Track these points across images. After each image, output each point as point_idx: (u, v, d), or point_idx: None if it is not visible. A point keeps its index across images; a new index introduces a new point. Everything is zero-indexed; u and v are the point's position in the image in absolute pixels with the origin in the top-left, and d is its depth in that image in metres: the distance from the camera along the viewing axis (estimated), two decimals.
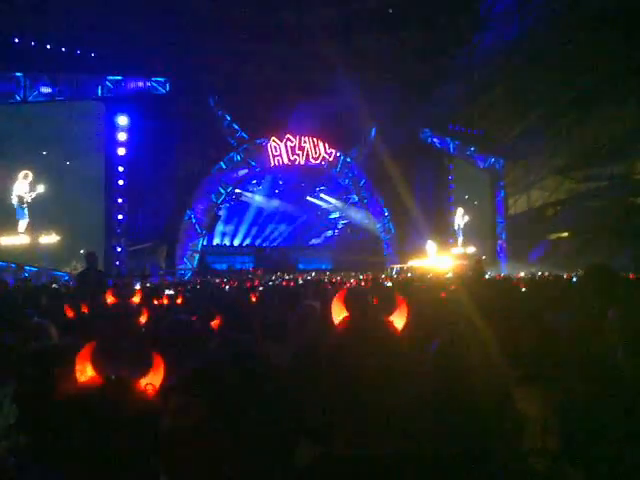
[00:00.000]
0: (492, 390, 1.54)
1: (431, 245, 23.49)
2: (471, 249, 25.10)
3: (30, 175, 16.87)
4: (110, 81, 18.32)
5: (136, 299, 4.77)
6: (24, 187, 16.88)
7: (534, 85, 20.29)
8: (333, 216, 27.53)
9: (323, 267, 26.84)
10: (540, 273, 16.15)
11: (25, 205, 16.83)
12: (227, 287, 10.98)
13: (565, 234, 25.35)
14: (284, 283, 10.03)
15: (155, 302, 5.75)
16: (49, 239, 17.05)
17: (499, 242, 26.25)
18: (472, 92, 21.21)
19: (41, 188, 16.88)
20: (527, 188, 27.21)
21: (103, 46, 16.88)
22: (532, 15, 18.04)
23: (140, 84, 18.97)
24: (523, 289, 6.57)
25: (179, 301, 5.88)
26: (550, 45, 18.26)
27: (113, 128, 18.20)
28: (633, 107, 20.33)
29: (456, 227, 25.82)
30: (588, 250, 19.35)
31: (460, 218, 25.86)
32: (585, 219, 22.49)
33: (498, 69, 19.68)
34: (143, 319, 3.78)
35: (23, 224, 16.80)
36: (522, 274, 17.36)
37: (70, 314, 4.01)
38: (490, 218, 26.55)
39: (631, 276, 9.26)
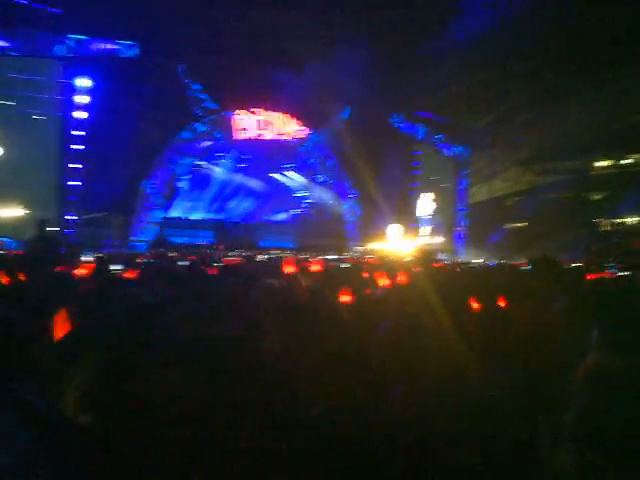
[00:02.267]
0: (445, 370, 1.59)
1: (395, 229, 23.70)
2: (438, 239, 25.48)
3: None
4: (72, 40, 17.33)
5: (82, 270, 4.55)
6: None
7: (502, 78, 20.53)
8: (298, 195, 27.33)
9: (286, 245, 26.69)
10: (487, 261, 16.51)
11: None
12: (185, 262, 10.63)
13: (522, 224, 26.12)
14: (230, 261, 9.70)
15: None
16: (11, 212, 15.63)
17: (459, 229, 26.75)
18: (443, 80, 21.28)
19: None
20: (489, 178, 27.76)
21: (66, 2, 15.88)
22: (504, 8, 18.13)
23: (105, 46, 18.06)
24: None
25: (131, 275, 5.60)
26: (518, 39, 18.47)
27: (72, 90, 17.32)
28: (592, 106, 20.94)
29: (422, 213, 26.05)
30: (543, 240, 19.98)
31: (428, 203, 26.06)
32: (541, 210, 23.22)
33: (469, 59, 19.78)
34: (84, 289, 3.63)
35: None
36: (473, 261, 17.75)
37: (4, 281, 3.81)
38: (453, 205, 26.99)
39: (583, 265, 9.58)
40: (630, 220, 23.43)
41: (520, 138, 23.97)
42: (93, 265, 5.14)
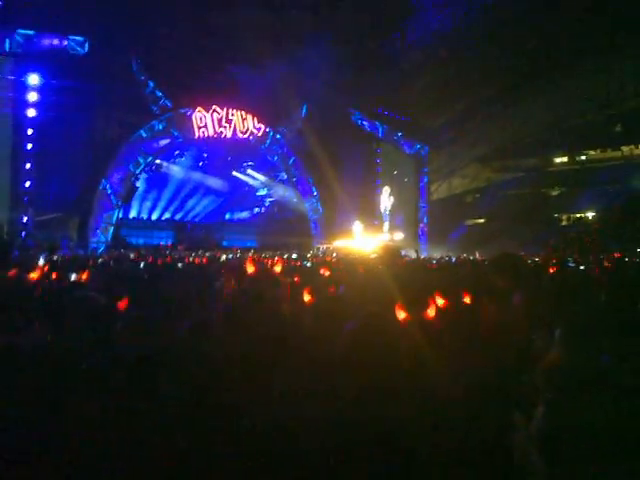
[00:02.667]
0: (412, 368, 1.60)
1: (357, 226, 23.82)
2: (398, 235, 25.77)
3: None
4: (21, 35, 16.59)
5: (34, 274, 4.35)
6: None
7: (461, 76, 20.94)
8: (260, 193, 27.07)
9: (248, 245, 26.39)
10: (447, 257, 16.79)
11: None
12: (142, 263, 10.36)
13: (481, 220, 26.75)
14: (197, 261, 9.53)
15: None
16: None
17: (421, 226, 27.16)
18: (403, 78, 21.52)
19: None
20: (449, 175, 28.31)
21: None
22: (463, 9, 18.47)
23: (56, 42, 17.37)
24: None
25: (84, 276, 5.39)
26: (476, 39, 18.87)
27: (23, 87, 16.62)
28: (550, 104, 21.63)
29: (382, 210, 26.29)
30: (501, 235, 20.49)
31: (387, 199, 26.32)
32: (500, 207, 23.84)
33: (429, 58, 20.07)
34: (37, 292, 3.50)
35: None
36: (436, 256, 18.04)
37: None
38: (414, 202, 27.37)
39: (540, 260, 9.86)
40: (588, 215, 24.41)
41: (479, 136, 24.52)
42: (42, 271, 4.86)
